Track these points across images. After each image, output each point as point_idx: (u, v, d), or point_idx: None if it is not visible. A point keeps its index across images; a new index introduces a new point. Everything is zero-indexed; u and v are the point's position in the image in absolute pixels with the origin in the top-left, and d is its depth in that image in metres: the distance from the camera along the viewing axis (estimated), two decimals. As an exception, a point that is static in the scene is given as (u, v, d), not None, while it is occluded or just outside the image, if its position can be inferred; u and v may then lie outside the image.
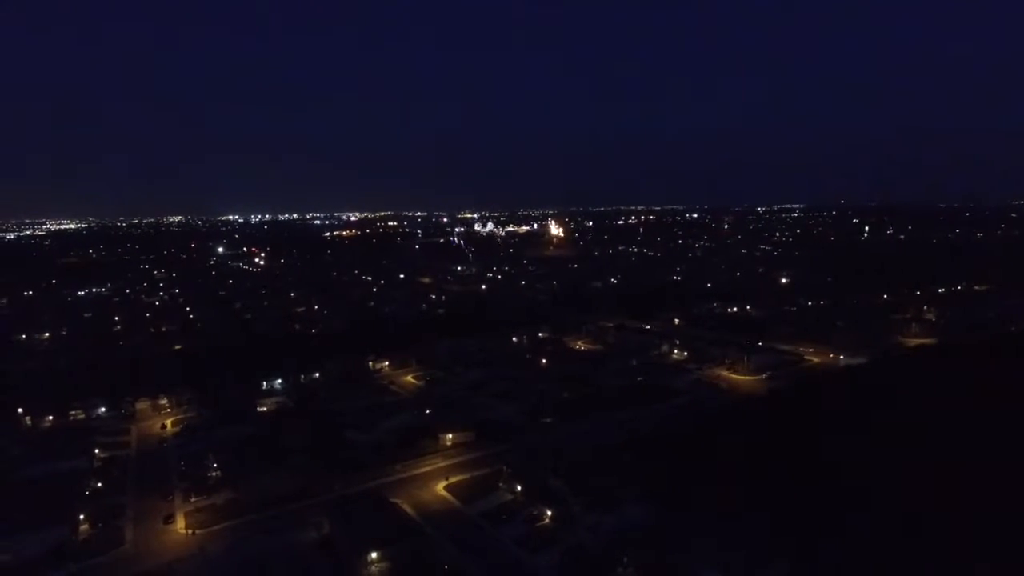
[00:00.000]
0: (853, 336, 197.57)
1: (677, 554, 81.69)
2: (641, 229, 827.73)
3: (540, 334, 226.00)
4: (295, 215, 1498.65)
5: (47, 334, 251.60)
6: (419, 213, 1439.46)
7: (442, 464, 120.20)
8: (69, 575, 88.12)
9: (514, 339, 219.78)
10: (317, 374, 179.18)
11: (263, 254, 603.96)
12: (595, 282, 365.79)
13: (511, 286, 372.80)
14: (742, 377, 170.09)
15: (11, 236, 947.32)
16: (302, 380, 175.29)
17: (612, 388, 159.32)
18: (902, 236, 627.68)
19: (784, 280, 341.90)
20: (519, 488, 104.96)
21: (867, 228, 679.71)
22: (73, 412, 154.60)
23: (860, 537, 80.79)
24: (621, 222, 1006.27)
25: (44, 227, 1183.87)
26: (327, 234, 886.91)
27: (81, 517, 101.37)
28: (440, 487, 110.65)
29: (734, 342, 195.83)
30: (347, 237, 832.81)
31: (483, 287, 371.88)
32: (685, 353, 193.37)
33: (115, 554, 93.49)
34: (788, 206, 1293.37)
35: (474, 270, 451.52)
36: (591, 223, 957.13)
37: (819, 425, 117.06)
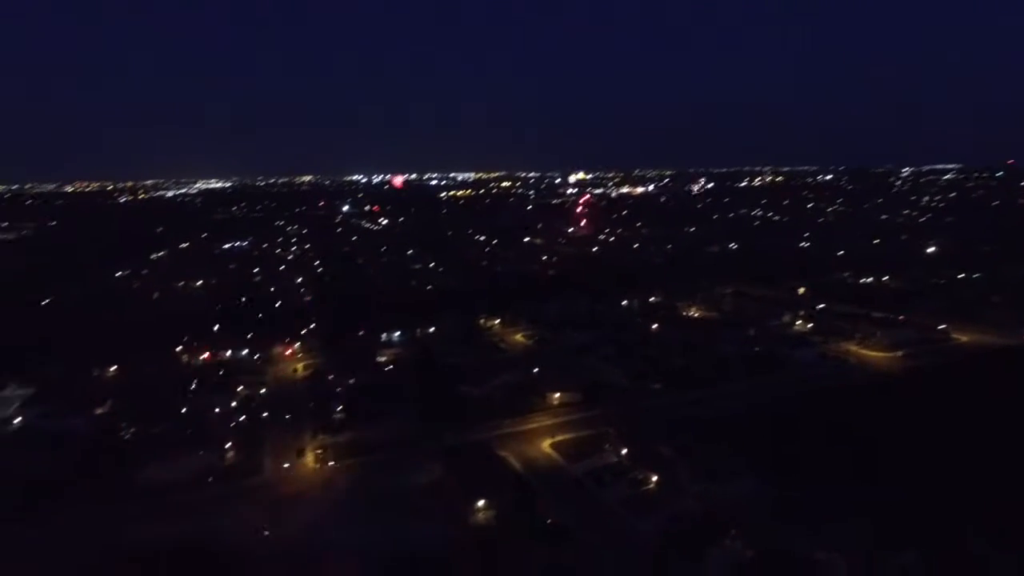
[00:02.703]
0: (1011, 314, 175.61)
1: (791, 529, 78.10)
2: (767, 191, 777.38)
3: (652, 299, 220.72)
4: (414, 175, 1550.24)
5: (200, 282, 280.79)
6: (532, 173, 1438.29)
7: (548, 422, 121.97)
8: (215, 496, 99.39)
9: (624, 303, 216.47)
10: (432, 329, 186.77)
11: (384, 213, 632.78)
12: (712, 246, 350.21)
13: (624, 249, 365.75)
14: (874, 353, 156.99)
15: (170, 194, 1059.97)
16: (418, 334, 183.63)
17: (726, 357, 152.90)
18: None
19: (931, 249, 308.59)
20: (625, 451, 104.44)
21: None
22: (221, 352, 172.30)
23: (1008, 532, 73.01)
24: (744, 184, 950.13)
25: (196, 186, 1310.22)
26: (443, 194, 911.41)
27: (227, 446, 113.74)
28: (546, 444, 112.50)
29: (866, 315, 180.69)
30: (462, 197, 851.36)
31: (595, 249, 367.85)
32: (810, 325, 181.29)
33: (254, 480, 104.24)
34: (941, 167, 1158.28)
35: (585, 231, 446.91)
36: (712, 184, 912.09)
37: (963, 409, 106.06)
